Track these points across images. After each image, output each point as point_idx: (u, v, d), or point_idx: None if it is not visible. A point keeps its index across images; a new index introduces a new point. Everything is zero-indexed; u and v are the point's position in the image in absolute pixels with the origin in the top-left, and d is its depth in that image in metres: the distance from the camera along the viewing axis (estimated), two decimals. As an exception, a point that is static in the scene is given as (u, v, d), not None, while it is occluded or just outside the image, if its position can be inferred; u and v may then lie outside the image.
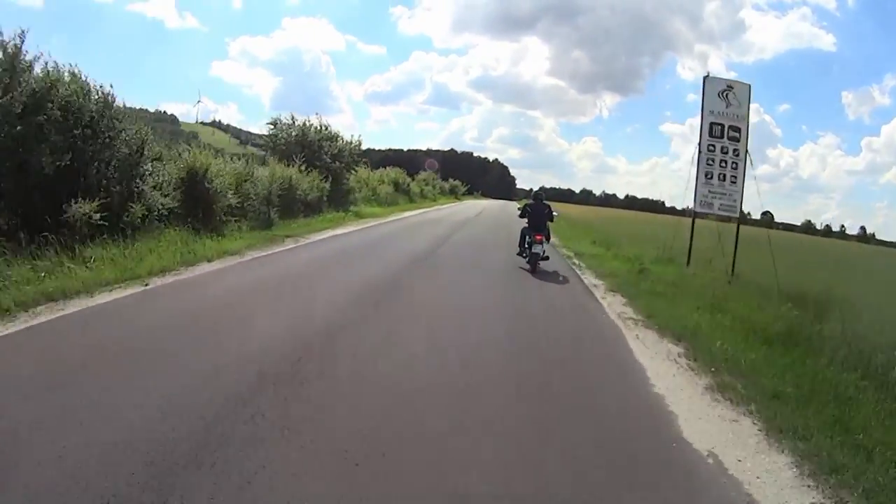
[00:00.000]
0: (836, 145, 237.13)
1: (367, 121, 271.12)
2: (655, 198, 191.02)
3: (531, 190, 26.49)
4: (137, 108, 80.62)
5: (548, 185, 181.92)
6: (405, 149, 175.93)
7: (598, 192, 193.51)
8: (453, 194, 78.28)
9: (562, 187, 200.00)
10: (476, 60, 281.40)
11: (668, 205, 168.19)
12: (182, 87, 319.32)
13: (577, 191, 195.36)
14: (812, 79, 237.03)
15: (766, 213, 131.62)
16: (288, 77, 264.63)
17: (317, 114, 44.18)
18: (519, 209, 16.79)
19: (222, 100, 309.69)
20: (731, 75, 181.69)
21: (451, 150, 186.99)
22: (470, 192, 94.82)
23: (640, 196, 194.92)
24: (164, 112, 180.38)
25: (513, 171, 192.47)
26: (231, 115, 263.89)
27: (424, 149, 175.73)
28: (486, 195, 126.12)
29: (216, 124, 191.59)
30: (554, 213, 16.04)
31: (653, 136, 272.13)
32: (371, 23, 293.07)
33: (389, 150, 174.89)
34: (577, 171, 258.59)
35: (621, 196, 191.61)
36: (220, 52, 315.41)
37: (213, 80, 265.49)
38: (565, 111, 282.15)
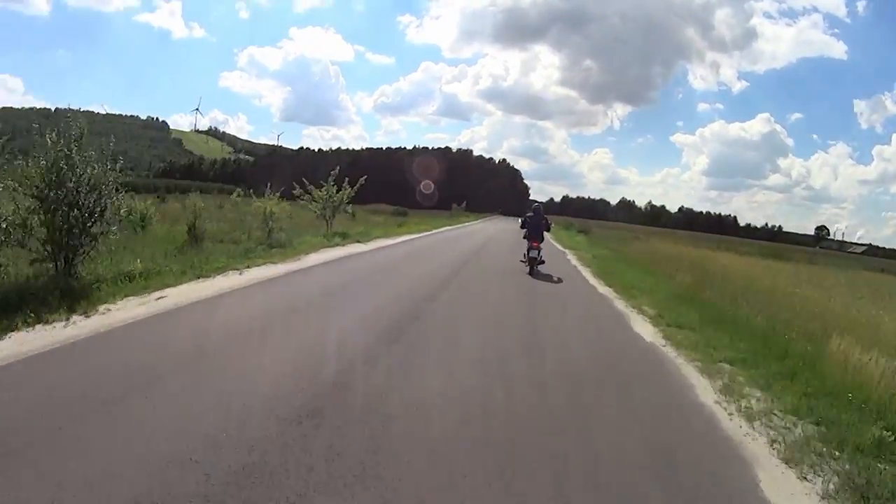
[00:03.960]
0: (848, 154, 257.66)
1: (377, 131, 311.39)
2: (722, 212, 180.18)
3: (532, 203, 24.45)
4: (128, 115, 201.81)
5: (572, 195, 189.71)
6: (384, 147, 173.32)
7: (641, 204, 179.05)
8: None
9: (592, 197, 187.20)
10: (485, 70, 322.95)
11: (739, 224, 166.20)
12: (190, 98, 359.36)
13: (614, 202, 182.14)
14: (823, 87, 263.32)
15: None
16: (297, 87, 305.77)
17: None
18: (520, 221, 20.52)
19: (232, 111, 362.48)
20: (743, 85, 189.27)
21: (446, 147, 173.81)
22: (402, 213, 67.44)
23: (697, 209, 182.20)
24: (156, 119, 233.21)
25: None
26: (241, 126, 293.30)
27: (411, 147, 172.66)
28: (477, 210, 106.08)
29: (211, 132, 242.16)
30: (551, 224, 21.04)
31: (664, 147, 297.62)
32: (379, 32, 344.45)
33: (364, 149, 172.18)
34: (587, 183, 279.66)
35: (672, 209, 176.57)
36: (228, 62, 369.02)
37: (221, 90, 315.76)
38: (576, 122, 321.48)
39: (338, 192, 26.87)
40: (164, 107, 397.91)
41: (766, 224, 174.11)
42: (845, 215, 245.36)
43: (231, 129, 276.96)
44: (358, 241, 24.70)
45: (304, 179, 26.97)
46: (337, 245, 22.35)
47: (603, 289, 16.87)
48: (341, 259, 18.74)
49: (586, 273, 20.50)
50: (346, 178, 27.64)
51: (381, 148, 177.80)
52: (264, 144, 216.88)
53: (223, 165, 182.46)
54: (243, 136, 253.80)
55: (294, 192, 27.17)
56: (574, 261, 24.92)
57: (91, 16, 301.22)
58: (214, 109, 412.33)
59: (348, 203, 27.66)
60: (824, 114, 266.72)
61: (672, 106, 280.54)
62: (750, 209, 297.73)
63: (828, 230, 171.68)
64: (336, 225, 27.63)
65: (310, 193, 27.13)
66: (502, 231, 46.41)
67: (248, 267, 14.54)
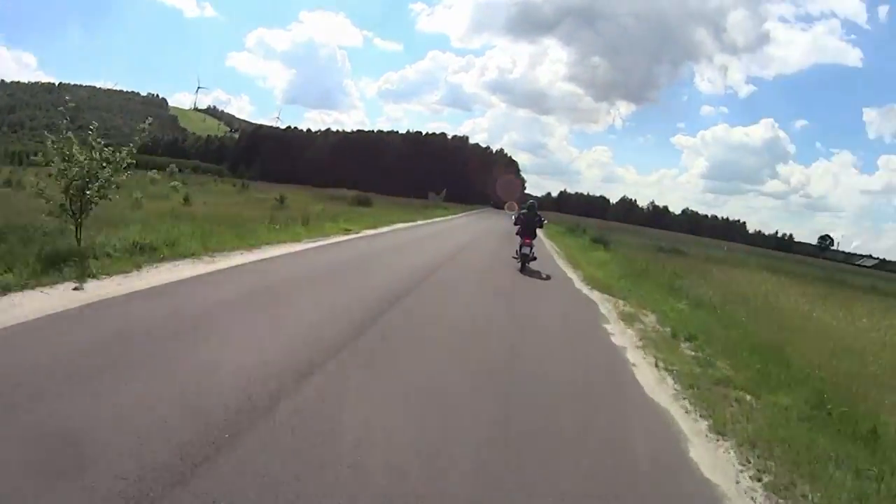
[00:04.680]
0: (852, 164, 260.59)
1: (378, 118, 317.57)
2: (723, 215, 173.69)
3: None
4: (128, 91, 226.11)
5: (570, 191, 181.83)
6: (375, 130, 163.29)
7: (643, 204, 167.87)
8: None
9: (591, 193, 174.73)
10: (493, 62, 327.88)
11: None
12: (195, 77, 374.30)
13: (611, 199, 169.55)
14: (833, 95, 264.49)
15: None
16: (302, 70, 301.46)
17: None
18: (514, 217, 19.88)
19: (236, 91, 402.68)
20: (750, 89, 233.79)
21: (441, 133, 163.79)
22: (364, 202, 52.18)
23: (699, 211, 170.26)
24: (156, 96, 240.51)
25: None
26: (242, 107, 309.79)
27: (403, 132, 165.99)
28: (467, 202, 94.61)
29: (210, 111, 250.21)
30: (544, 221, 20.33)
31: (664, 148, 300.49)
32: (389, 19, 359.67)
33: (355, 131, 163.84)
34: (584, 179, 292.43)
35: (671, 209, 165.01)
36: (237, 43, 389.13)
37: (227, 70, 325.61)
38: (579, 118, 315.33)
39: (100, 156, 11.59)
40: (170, 85, 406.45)
41: (777, 232, 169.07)
42: (842, 224, 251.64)
43: (232, 109, 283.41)
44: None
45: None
46: None
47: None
48: None
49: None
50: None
51: (373, 131, 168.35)
52: (263, 125, 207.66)
53: (206, 143, 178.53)
54: (243, 117, 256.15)
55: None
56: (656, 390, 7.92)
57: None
58: (217, 89, 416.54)
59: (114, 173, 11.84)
60: (831, 121, 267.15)
61: (675, 107, 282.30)
62: (744, 213, 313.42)
63: (832, 239, 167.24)
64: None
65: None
66: (486, 241, 29.17)
67: None
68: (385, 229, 27.35)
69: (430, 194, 69.36)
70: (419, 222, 37.17)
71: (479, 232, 35.06)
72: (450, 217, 53.64)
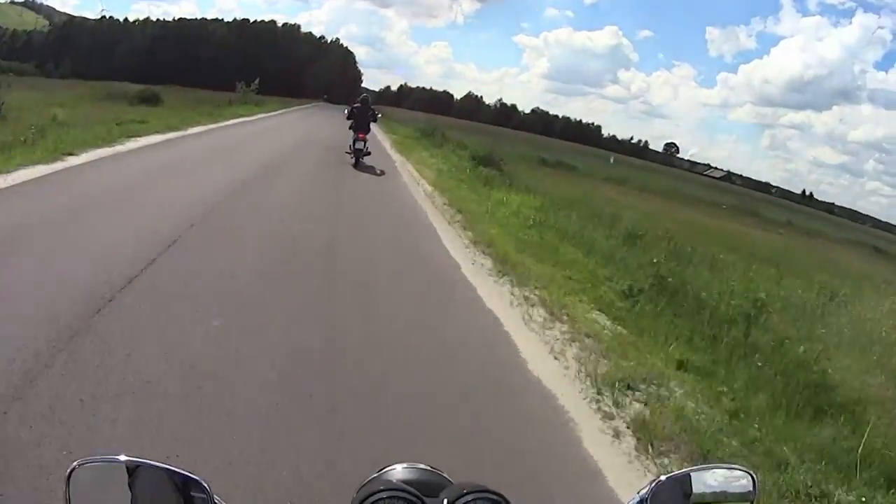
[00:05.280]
0: (692, 77, 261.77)
1: (210, 8, 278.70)
2: (565, 115, 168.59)
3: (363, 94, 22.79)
4: None
5: (412, 85, 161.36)
6: (197, 17, 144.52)
7: (489, 101, 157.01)
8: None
9: (434, 88, 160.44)
10: None
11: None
12: None
13: (458, 95, 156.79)
14: (678, 10, 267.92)
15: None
16: None
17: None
18: (346, 112, 19.08)
19: None
20: None
21: (270, 21, 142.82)
22: (148, 98, 32.37)
23: (542, 110, 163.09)
24: None
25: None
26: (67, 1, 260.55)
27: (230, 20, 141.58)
28: (297, 94, 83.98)
29: (28, 4, 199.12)
30: (378, 115, 19.75)
31: (505, 47, 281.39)
32: None
33: (175, 20, 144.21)
34: (422, 74, 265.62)
35: (524, 109, 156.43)
36: None
37: None
38: (419, 13, 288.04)
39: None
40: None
41: (632, 137, 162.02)
42: (680, 133, 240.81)
43: (54, 1, 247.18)
44: None
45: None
46: None
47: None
48: None
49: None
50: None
51: (196, 19, 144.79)
52: (77, 17, 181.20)
53: (12, 38, 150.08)
54: (66, 10, 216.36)
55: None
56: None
57: None
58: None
59: None
60: (675, 35, 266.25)
61: (520, 7, 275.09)
62: (585, 114, 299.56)
63: (677, 147, 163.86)
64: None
65: None
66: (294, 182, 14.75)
67: None
68: (100, 154, 13.10)
69: (237, 85, 53.16)
70: (192, 130, 21.87)
71: (288, 152, 20.69)
72: (258, 116, 37.12)
